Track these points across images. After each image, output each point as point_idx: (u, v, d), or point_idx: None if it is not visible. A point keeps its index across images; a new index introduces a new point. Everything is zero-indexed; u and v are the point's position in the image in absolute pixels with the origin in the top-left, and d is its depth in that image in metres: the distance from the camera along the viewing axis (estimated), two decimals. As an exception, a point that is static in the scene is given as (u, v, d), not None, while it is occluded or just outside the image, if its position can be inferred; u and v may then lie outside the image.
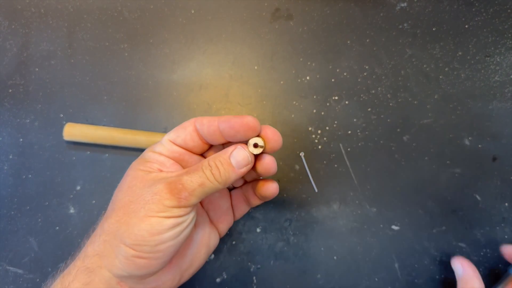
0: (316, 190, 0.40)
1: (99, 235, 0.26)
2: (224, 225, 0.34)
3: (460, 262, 0.36)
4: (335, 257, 0.39)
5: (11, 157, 0.43)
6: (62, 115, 0.43)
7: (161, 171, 0.28)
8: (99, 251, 0.25)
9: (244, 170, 0.27)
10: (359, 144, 0.41)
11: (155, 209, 0.24)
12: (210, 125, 0.27)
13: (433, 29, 0.43)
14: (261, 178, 0.32)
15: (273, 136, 0.27)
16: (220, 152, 0.27)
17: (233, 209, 0.34)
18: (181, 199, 0.25)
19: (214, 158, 0.27)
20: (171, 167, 0.28)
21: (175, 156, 0.29)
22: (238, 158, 0.27)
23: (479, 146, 0.40)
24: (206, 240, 0.32)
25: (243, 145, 0.28)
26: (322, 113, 0.42)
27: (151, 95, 0.43)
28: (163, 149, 0.29)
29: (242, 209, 0.34)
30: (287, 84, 0.43)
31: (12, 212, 0.41)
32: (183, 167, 0.29)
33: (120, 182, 0.28)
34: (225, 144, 0.31)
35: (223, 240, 0.39)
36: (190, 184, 0.25)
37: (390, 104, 0.42)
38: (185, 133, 0.28)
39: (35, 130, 0.43)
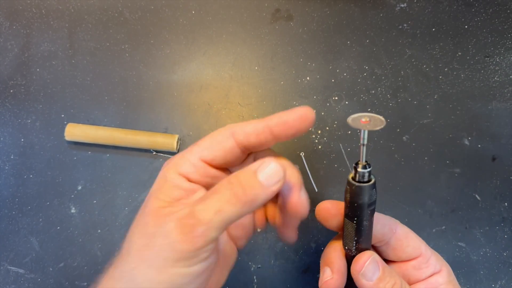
0: (316, 190, 0.40)
1: (118, 280, 0.22)
2: (245, 240, 0.29)
3: (393, 223, 0.26)
4: (335, 257, 0.39)
5: (12, 157, 0.43)
6: (63, 115, 0.43)
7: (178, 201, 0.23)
8: None
9: (275, 188, 0.21)
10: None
11: (170, 257, 0.20)
12: (258, 134, 0.23)
13: (433, 29, 0.43)
14: None
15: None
16: (244, 168, 0.22)
17: (254, 222, 0.29)
18: (196, 238, 0.20)
19: (236, 174, 0.22)
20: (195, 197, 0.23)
21: (207, 182, 0.24)
22: (267, 171, 0.21)
23: (479, 146, 0.40)
24: (228, 262, 0.27)
25: (272, 158, 0.22)
26: (322, 113, 0.42)
27: (152, 95, 0.43)
28: (193, 172, 0.23)
29: (264, 222, 0.29)
30: (287, 84, 0.43)
31: (13, 212, 0.41)
32: None
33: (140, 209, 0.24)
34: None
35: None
36: (204, 214, 0.20)
37: (390, 104, 0.42)
38: (225, 151, 0.23)
39: (36, 130, 0.43)
